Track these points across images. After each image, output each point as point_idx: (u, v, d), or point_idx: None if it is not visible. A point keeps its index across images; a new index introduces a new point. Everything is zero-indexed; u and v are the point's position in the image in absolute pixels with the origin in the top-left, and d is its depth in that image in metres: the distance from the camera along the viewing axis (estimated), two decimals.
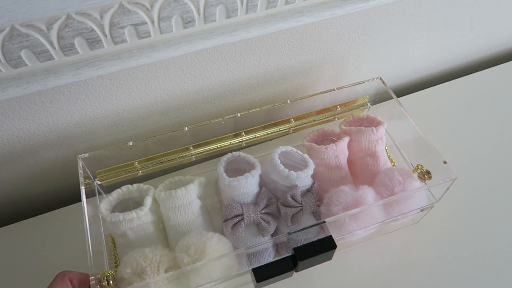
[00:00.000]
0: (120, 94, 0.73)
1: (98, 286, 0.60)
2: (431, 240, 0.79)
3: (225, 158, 0.76)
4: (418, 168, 0.73)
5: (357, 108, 0.87)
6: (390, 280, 0.75)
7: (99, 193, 0.76)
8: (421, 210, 0.76)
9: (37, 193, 0.89)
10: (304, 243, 0.72)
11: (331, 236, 0.66)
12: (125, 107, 0.77)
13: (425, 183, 0.72)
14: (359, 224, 0.69)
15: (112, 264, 0.69)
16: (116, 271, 0.63)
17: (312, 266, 0.68)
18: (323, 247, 0.65)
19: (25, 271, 0.76)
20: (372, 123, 0.83)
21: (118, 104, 0.76)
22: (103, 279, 0.61)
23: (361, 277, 0.75)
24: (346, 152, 0.80)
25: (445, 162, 0.70)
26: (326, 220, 0.66)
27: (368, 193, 0.70)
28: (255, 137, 0.81)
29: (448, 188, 0.70)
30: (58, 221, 0.82)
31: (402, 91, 1.14)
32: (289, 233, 0.67)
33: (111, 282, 0.61)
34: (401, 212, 0.71)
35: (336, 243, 0.66)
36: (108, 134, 0.82)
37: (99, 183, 0.76)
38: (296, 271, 0.66)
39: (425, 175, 0.72)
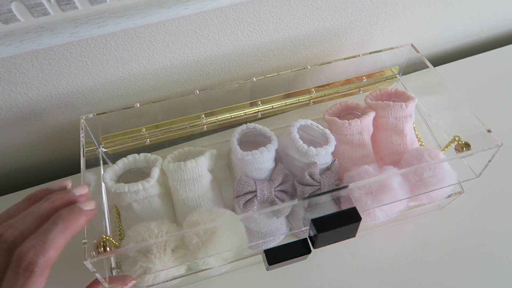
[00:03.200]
0: (126, 57, 0.67)
1: (94, 252, 0.55)
2: (456, 228, 0.74)
3: (239, 129, 0.70)
4: (455, 140, 0.66)
5: (385, 80, 0.79)
6: (410, 267, 0.70)
7: (104, 162, 0.72)
8: (449, 196, 0.70)
9: (39, 162, 0.84)
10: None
11: (355, 208, 0.58)
12: (131, 71, 0.71)
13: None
14: (381, 208, 0.63)
15: (116, 237, 0.65)
16: (119, 244, 0.59)
17: (332, 243, 0.62)
18: (347, 219, 0.58)
19: None
20: (401, 97, 0.76)
21: (124, 68, 0.69)
22: (100, 245, 0.56)
23: (380, 263, 0.71)
24: (371, 129, 0.73)
25: (489, 131, 0.62)
26: (349, 185, 0.60)
27: (394, 177, 0.64)
28: (272, 107, 0.75)
29: (490, 160, 0.63)
30: None
31: (433, 62, 1.05)
32: (311, 196, 0.62)
33: (107, 248, 0.56)
34: (429, 197, 0.66)
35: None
36: (112, 100, 0.76)
37: (104, 150, 0.71)
38: (314, 247, 0.61)
39: (463, 147, 0.65)
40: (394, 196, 0.63)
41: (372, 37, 0.87)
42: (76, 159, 0.83)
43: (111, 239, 0.56)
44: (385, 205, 0.63)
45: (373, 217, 0.64)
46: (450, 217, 0.75)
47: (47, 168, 0.87)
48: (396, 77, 0.79)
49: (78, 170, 0.78)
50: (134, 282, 0.55)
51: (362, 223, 0.66)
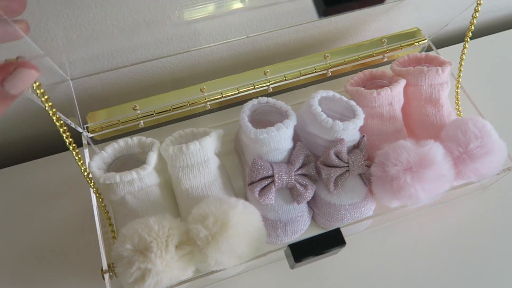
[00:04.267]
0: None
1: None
2: (502, 211, 0.64)
3: (249, 104, 0.59)
4: None
5: (413, 43, 0.69)
6: (451, 256, 0.60)
7: (90, 149, 0.61)
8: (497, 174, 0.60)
9: (13, 140, 0.73)
10: (349, 209, 0.58)
11: (339, 230, 0.50)
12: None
13: None
14: (424, 188, 0.53)
15: (107, 240, 0.54)
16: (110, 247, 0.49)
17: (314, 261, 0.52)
18: (329, 244, 0.49)
19: None
20: (433, 63, 0.66)
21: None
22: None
23: (418, 252, 0.60)
24: (402, 99, 0.63)
25: None
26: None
27: (436, 150, 0.54)
28: (285, 78, 0.64)
29: None
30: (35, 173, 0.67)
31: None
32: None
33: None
34: (478, 173, 0.56)
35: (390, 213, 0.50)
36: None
37: (90, 135, 0.60)
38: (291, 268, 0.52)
39: None
40: (439, 172, 0.53)
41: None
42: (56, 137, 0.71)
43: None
44: (428, 184, 0.53)
45: (415, 200, 0.53)
46: (495, 199, 0.65)
47: (22, 146, 0.75)
48: (425, 39, 0.69)
49: (57, 150, 0.68)
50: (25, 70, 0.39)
51: (399, 209, 0.57)
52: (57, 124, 0.44)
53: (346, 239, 0.50)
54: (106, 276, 0.50)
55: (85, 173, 0.52)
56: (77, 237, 0.61)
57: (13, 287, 0.57)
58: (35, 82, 0.40)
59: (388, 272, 0.59)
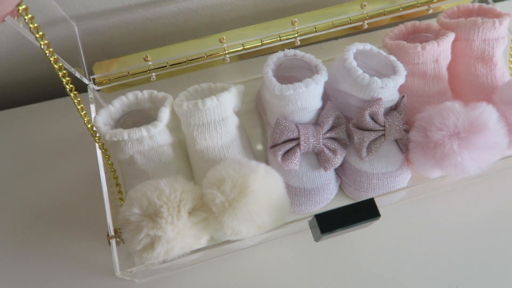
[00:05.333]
0: None
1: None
2: None
3: (274, 57, 0.52)
4: None
5: None
6: (494, 234, 0.54)
7: (97, 103, 0.55)
8: None
9: (14, 82, 0.68)
10: (382, 178, 0.51)
11: (373, 200, 0.44)
12: None
13: None
14: (473, 156, 0.46)
15: (114, 202, 0.49)
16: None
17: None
18: (361, 215, 0.44)
19: None
20: (489, 15, 0.57)
21: None
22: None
23: (456, 228, 0.54)
24: (449, 56, 0.55)
25: None
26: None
27: (490, 113, 0.47)
28: (315, 29, 0.56)
29: None
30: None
31: None
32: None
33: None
34: None
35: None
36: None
37: (97, 88, 0.54)
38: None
39: None
40: (491, 139, 0.46)
41: None
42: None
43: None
44: (478, 152, 0.46)
45: (461, 170, 0.47)
46: None
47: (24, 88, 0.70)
48: None
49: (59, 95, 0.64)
50: None
51: (439, 181, 0.50)
52: (55, 66, 0.38)
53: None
54: (112, 242, 0.46)
55: (90, 127, 0.47)
56: (83, 197, 0.56)
57: (15, 249, 0.54)
58: (27, 14, 0.34)
59: (422, 249, 0.53)
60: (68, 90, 0.41)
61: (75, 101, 0.41)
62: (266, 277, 0.52)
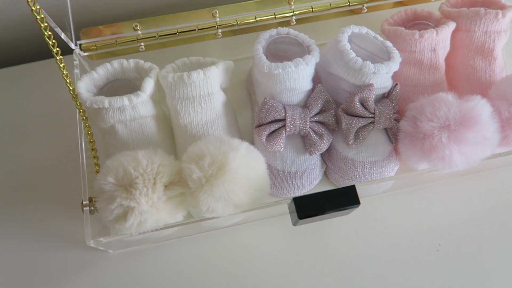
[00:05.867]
0: None
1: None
2: None
3: (266, 34, 0.51)
4: None
5: None
6: (479, 234, 0.53)
7: (82, 69, 0.54)
8: None
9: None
10: (368, 167, 0.50)
11: (354, 187, 0.43)
12: None
13: None
14: (462, 151, 0.45)
15: (91, 172, 0.48)
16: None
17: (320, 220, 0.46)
18: (341, 202, 0.43)
19: None
20: (493, 6, 0.55)
21: None
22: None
23: (439, 223, 0.53)
24: (448, 46, 0.53)
25: None
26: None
27: (483, 107, 0.46)
28: (312, 9, 0.55)
29: None
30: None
31: None
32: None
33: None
34: None
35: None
36: None
37: (83, 54, 0.53)
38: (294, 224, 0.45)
39: None
40: (482, 134, 0.45)
41: None
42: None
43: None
44: (467, 146, 0.45)
45: (449, 163, 0.45)
46: None
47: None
48: None
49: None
50: None
51: (426, 173, 0.49)
52: (41, 25, 0.37)
53: (360, 200, 0.43)
54: (86, 210, 0.45)
55: (72, 90, 0.46)
56: (61, 166, 0.55)
57: None
58: None
59: (402, 241, 0.52)
60: (53, 52, 0.40)
61: (59, 62, 0.40)
62: (242, 258, 0.51)
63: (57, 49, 0.42)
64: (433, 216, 0.54)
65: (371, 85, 0.48)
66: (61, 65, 0.43)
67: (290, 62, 0.47)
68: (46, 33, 0.41)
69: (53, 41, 0.42)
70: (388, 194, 0.55)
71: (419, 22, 0.56)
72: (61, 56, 0.43)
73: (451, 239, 0.52)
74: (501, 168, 0.56)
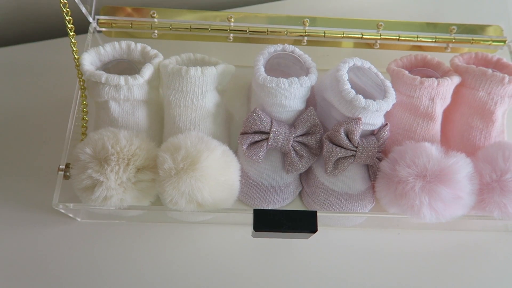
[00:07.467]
0: None
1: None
2: None
3: (271, 48, 0.52)
4: None
5: (488, 42, 0.57)
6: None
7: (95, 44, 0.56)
8: None
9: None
10: (341, 198, 0.51)
11: (315, 213, 0.43)
12: None
13: None
14: (432, 205, 0.44)
15: (76, 139, 0.50)
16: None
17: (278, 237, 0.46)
18: (299, 225, 0.43)
19: None
20: (505, 71, 0.54)
21: None
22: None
23: (398, 269, 0.53)
24: (448, 99, 0.53)
25: None
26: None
27: (463, 166, 0.45)
28: (324, 34, 0.56)
29: None
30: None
31: None
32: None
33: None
34: (504, 210, 0.46)
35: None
36: None
37: (98, 29, 0.56)
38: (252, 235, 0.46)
39: None
40: (456, 192, 0.44)
41: None
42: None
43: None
44: (439, 201, 0.44)
45: (417, 214, 0.45)
46: None
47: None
48: (504, 41, 0.57)
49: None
50: None
51: (392, 217, 0.49)
52: None
53: (324, 228, 0.43)
54: (60, 174, 0.47)
55: (76, 60, 0.49)
56: (48, 125, 0.58)
57: None
58: None
59: (356, 278, 0.52)
60: (64, 13, 0.43)
61: (70, 33, 0.43)
62: (199, 256, 0.52)
63: (70, 17, 0.45)
64: (393, 260, 0.53)
65: (358, 119, 0.48)
66: (71, 34, 0.46)
67: (285, 79, 0.48)
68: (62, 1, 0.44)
69: (68, 9, 0.44)
70: (356, 230, 0.54)
71: (426, 70, 0.56)
72: (72, 25, 0.45)
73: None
74: (476, 232, 0.55)
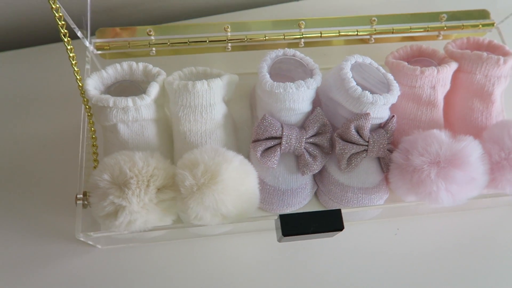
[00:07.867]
0: None
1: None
2: None
3: (272, 54, 0.52)
4: None
5: (478, 26, 0.59)
6: (459, 270, 0.53)
7: (93, 67, 0.56)
8: None
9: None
10: (357, 193, 0.51)
11: (339, 211, 0.44)
12: None
13: None
14: (448, 188, 0.46)
15: (88, 167, 0.50)
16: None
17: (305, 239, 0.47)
18: (325, 224, 0.44)
19: None
20: (497, 52, 0.56)
21: None
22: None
23: (422, 255, 0.54)
24: (448, 86, 0.55)
25: None
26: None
27: (474, 148, 0.47)
28: (320, 34, 0.56)
29: None
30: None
31: None
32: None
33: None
34: None
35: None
36: None
37: (96, 52, 0.55)
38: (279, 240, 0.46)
39: None
40: (470, 174, 0.46)
41: None
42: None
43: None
44: (455, 184, 0.46)
45: (435, 200, 0.46)
46: None
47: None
48: (493, 23, 0.59)
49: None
50: None
51: (413, 206, 0.50)
52: (56, 14, 0.39)
53: (345, 224, 0.44)
54: (79, 203, 0.46)
55: (80, 88, 0.48)
56: (58, 156, 0.57)
57: None
58: None
59: (383, 269, 0.53)
60: (61, 33, 0.42)
61: (68, 47, 0.42)
62: (226, 266, 0.52)
63: (66, 30, 0.44)
64: (416, 246, 0.54)
65: (367, 114, 0.49)
66: (73, 62, 0.45)
67: (292, 83, 0.48)
68: (62, 31, 0.43)
69: (63, 22, 0.44)
70: (375, 221, 0.56)
71: (423, 59, 0.57)
72: (68, 38, 0.44)
73: (432, 269, 0.53)
74: (488, 209, 0.57)
